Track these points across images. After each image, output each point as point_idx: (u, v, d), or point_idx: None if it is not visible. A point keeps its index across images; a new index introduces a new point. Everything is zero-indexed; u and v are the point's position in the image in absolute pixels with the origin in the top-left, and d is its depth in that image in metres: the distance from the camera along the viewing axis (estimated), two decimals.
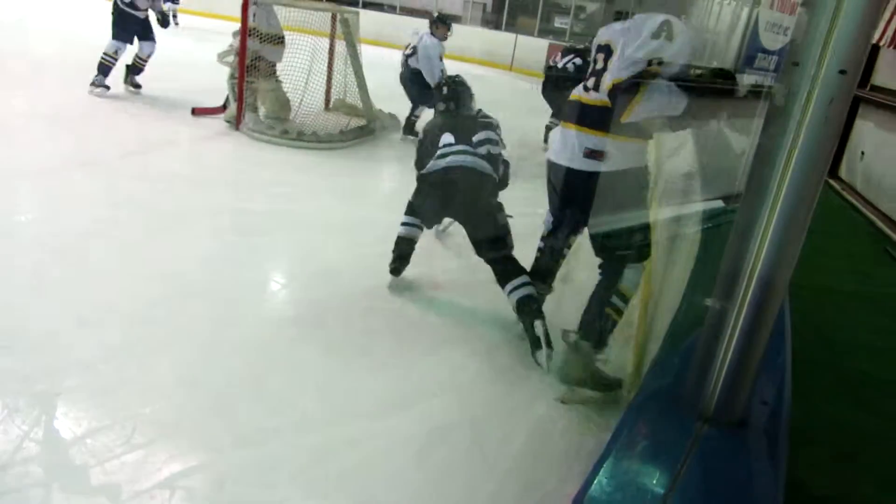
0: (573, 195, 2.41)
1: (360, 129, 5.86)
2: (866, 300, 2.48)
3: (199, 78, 7.01)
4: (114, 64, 5.87)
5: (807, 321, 1.96)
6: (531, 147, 5.99)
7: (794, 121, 0.94)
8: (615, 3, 14.15)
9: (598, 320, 2.26)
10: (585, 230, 2.54)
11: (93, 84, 5.85)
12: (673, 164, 3.62)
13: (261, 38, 5.26)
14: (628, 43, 2.15)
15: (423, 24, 6.01)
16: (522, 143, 5.02)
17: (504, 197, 2.98)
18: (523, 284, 2.65)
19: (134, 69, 6.09)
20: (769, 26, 2.47)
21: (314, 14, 5.72)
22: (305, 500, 1.73)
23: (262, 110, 5.68)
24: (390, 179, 5.34)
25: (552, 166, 2.41)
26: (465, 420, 2.14)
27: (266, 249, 3.34)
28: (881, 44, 3.99)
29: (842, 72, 0.90)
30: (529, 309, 2.59)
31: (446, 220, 3.63)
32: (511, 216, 2.87)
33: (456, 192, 2.84)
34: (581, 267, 2.83)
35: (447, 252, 3.58)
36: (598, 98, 2.24)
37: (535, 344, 2.52)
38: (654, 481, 0.99)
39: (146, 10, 5.91)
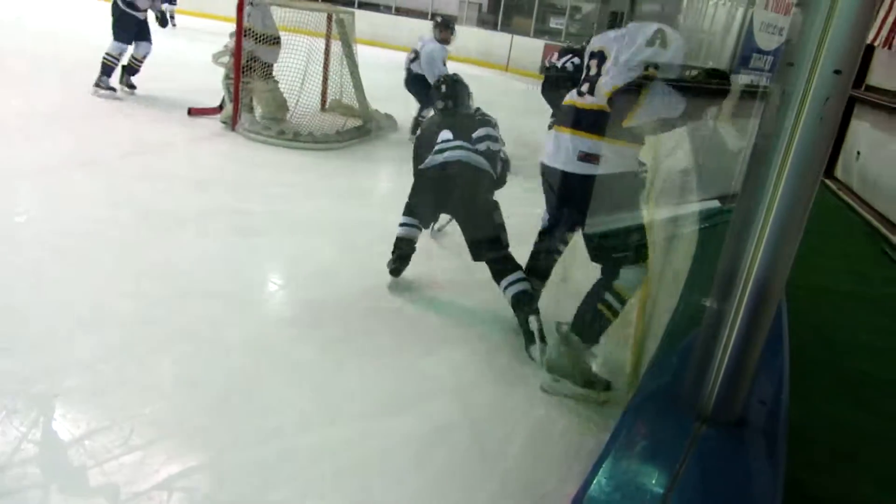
0: (569, 197, 2.43)
1: (356, 130, 5.86)
2: (864, 300, 2.49)
3: (195, 78, 7.01)
4: (116, 64, 5.90)
5: (804, 321, 1.96)
6: (531, 147, 6.00)
7: (790, 121, 0.94)
8: (610, 3, 14.16)
9: (589, 315, 2.29)
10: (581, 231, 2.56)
11: (97, 85, 5.87)
12: (670, 163, 3.63)
13: (256, 39, 5.26)
14: (623, 50, 2.20)
15: (420, 25, 6.01)
16: (520, 142, 5.02)
17: (503, 196, 2.98)
18: (519, 280, 2.68)
19: (129, 69, 6.10)
20: (764, 27, 2.48)
21: (310, 14, 5.73)
22: (304, 500, 1.73)
23: (258, 111, 5.68)
24: (387, 180, 5.34)
25: (546, 169, 2.44)
26: (465, 420, 2.14)
27: (264, 250, 3.34)
28: (875, 44, 4.00)
29: (837, 72, 0.91)
30: (524, 304, 2.63)
31: (443, 220, 3.63)
32: (507, 217, 2.88)
33: (452, 187, 2.85)
34: (580, 265, 2.84)
35: (446, 252, 3.58)
36: (594, 102, 2.28)
37: (528, 338, 2.57)
38: (653, 481, 0.99)
39: (146, 10, 5.92)
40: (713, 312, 1.08)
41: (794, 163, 0.95)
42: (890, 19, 3.81)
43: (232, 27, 5.33)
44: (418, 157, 3.03)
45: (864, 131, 4.32)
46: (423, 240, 3.14)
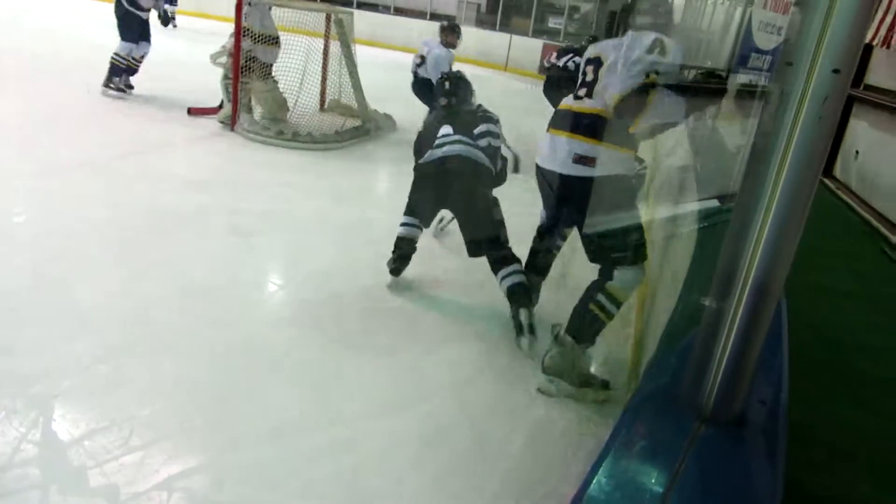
0: (566, 197, 2.45)
1: (355, 130, 5.86)
2: (863, 299, 2.49)
3: (195, 78, 7.00)
4: (124, 65, 5.91)
5: (804, 320, 1.96)
6: (530, 147, 5.99)
7: (789, 120, 0.95)
8: (609, 3, 14.17)
9: (582, 315, 2.30)
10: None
11: (107, 86, 5.89)
12: (669, 162, 3.63)
13: (254, 39, 5.26)
14: (622, 57, 2.25)
15: (419, 25, 6.01)
16: (520, 142, 5.01)
17: (503, 195, 2.98)
18: (515, 272, 2.71)
19: (128, 69, 6.10)
20: (762, 26, 2.48)
21: (308, 14, 5.72)
22: (303, 500, 1.73)
23: (257, 111, 5.68)
24: (386, 180, 5.34)
25: (542, 171, 2.46)
26: (464, 419, 2.14)
27: (264, 250, 3.34)
28: (874, 43, 4.00)
29: (835, 71, 0.91)
30: (518, 296, 2.66)
31: (446, 217, 3.63)
32: (507, 217, 2.87)
33: (452, 181, 2.86)
34: (579, 265, 2.84)
35: (446, 252, 3.58)
36: (592, 106, 2.30)
37: (518, 330, 2.62)
38: (653, 480, 0.99)
39: (149, 10, 5.94)
40: (712, 312, 1.08)
41: (793, 162, 0.95)
42: (888, 18, 3.81)
43: (232, 27, 5.33)
44: (419, 153, 3.04)
45: (862, 130, 4.32)
46: (424, 240, 3.14)
